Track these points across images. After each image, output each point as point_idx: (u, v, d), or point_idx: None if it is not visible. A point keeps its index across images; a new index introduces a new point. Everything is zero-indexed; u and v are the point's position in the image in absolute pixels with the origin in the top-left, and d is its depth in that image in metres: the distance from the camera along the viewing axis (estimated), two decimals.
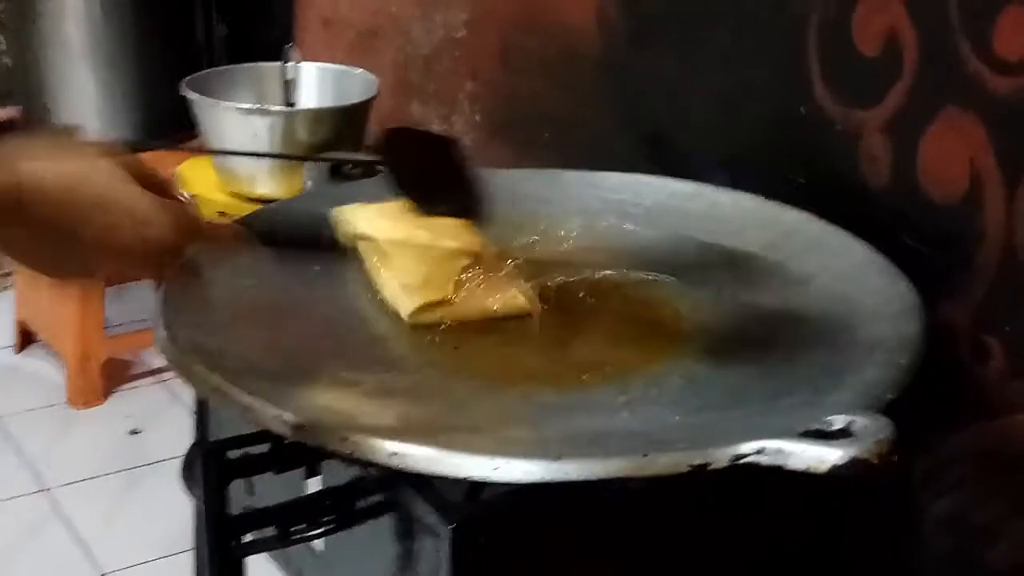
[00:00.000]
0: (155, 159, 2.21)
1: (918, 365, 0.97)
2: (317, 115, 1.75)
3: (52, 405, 2.42)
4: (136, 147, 2.16)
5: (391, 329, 1.11)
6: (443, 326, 1.10)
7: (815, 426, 0.85)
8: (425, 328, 1.10)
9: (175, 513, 1.82)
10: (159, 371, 2.49)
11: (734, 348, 1.07)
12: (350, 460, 0.91)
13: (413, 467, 0.86)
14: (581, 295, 1.16)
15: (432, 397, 1.00)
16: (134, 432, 2.35)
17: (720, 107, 1.46)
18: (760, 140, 1.41)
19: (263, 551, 1.10)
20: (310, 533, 1.06)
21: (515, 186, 1.36)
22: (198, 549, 1.18)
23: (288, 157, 1.71)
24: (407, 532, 1.01)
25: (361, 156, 1.54)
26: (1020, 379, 1.16)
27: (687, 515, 1.06)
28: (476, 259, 1.15)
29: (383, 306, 1.13)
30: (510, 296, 1.13)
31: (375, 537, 1.04)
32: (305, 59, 1.95)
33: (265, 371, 0.99)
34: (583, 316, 1.13)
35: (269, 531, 1.06)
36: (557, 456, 0.84)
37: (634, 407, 0.97)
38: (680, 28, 1.49)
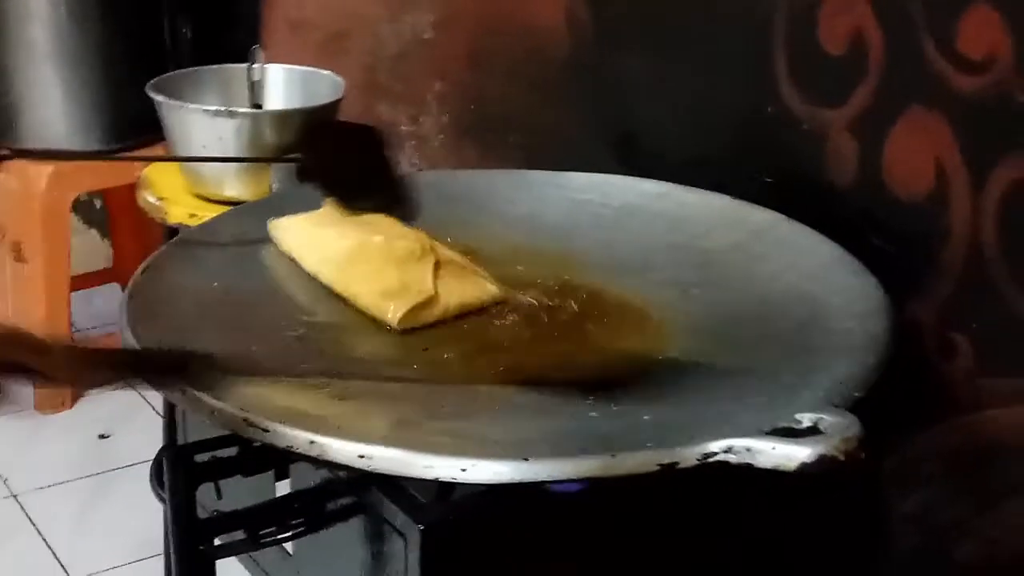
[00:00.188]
0: (123, 162, 2.21)
1: (886, 363, 0.98)
2: (284, 117, 1.74)
3: (20, 411, 2.40)
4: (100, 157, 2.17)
5: (359, 331, 1.11)
6: (407, 328, 1.09)
7: (783, 424, 0.86)
8: (392, 330, 1.09)
9: (145, 517, 1.82)
10: None
11: (703, 347, 1.07)
12: (319, 463, 0.91)
13: (382, 469, 0.86)
14: (549, 295, 1.16)
15: (400, 399, 1.00)
16: (103, 436, 2.34)
17: (688, 107, 1.46)
18: (728, 140, 1.41)
19: (233, 554, 1.10)
20: (280, 536, 1.06)
21: (483, 186, 1.36)
22: (168, 553, 1.18)
23: (206, 160, 1.69)
24: (377, 534, 1.01)
25: (283, 156, 1.52)
26: (987, 376, 1.17)
27: (658, 514, 1.06)
28: (439, 256, 1.15)
29: (348, 309, 1.13)
30: (482, 287, 1.13)
31: (345, 539, 1.04)
32: (273, 61, 1.95)
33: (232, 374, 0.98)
34: (551, 317, 1.13)
35: (239, 535, 1.06)
36: (525, 457, 0.84)
37: (603, 407, 0.97)
38: (648, 29, 1.49)
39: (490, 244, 1.24)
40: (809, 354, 1.01)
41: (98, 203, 2.85)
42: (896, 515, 1.26)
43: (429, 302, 1.10)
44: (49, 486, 2.18)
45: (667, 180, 1.32)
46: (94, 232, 2.95)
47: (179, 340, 1.02)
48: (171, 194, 1.78)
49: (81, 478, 2.20)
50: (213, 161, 1.63)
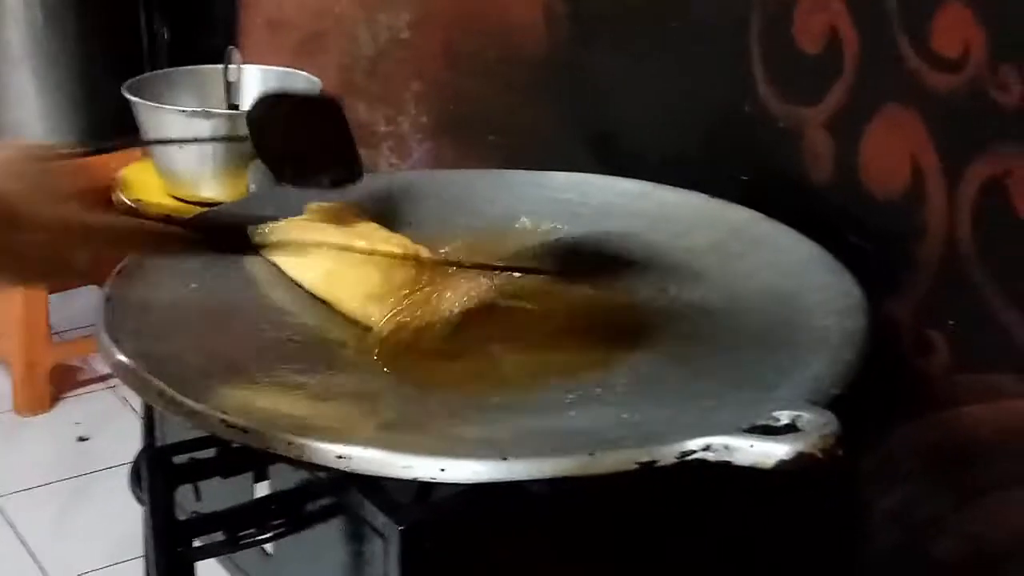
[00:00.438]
0: (98, 163, 2.20)
1: (863, 360, 0.98)
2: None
3: None
4: (80, 152, 2.16)
5: (337, 332, 1.10)
6: (390, 332, 1.09)
7: (761, 422, 0.86)
8: (374, 333, 1.09)
9: (124, 519, 1.81)
10: (107, 377, 2.46)
11: (681, 345, 1.08)
12: (297, 464, 0.91)
13: (360, 469, 0.86)
14: (528, 295, 1.16)
15: (379, 399, 1.00)
16: (82, 439, 2.33)
17: (666, 106, 1.46)
18: (705, 138, 1.42)
19: (212, 556, 1.10)
20: (259, 537, 1.05)
21: (461, 186, 1.36)
22: (147, 555, 1.17)
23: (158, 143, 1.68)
24: (357, 535, 1.01)
25: (229, 135, 1.50)
26: (964, 373, 1.18)
27: (637, 513, 1.07)
28: (422, 261, 1.15)
29: (327, 310, 1.13)
30: (466, 290, 1.13)
31: (325, 540, 1.04)
32: (250, 62, 1.94)
33: (210, 375, 0.98)
34: (530, 315, 1.13)
35: (218, 536, 1.05)
36: (504, 456, 0.84)
37: (581, 406, 0.97)
38: (626, 28, 1.50)
39: (467, 244, 1.24)
40: (787, 351, 1.01)
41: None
42: (874, 512, 1.27)
43: (412, 306, 1.10)
44: (28, 488, 2.17)
45: (645, 179, 1.32)
46: None
47: (157, 341, 1.02)
48: (147, 195, 1.78)
49: (60, 480, 2.19)
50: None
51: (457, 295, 1.13)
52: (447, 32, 1.80)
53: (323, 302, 1.14)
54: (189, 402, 0.91)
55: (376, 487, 0.98)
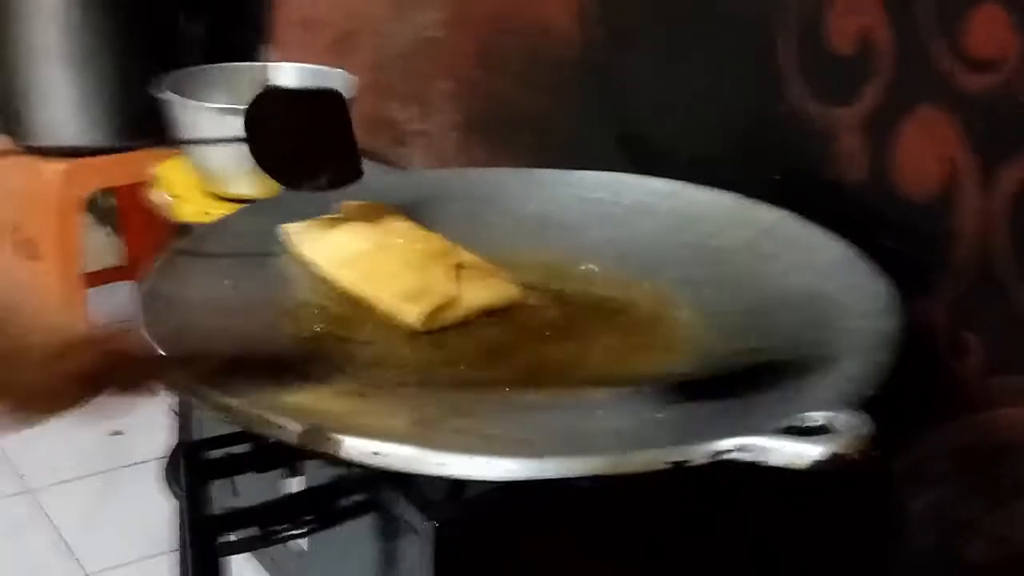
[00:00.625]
0: (132, 160, 2.22)
1: (896, 362, 0.98)
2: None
3: None
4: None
5: (372, 330, 1.11)
6: (427, 330, 1.10)
7: (794, 423, 0.86)
8: (410, 331, 1.10)
9: (158, 514, 1.82)
10: None
11: (713, 346, 1.08)
12: (332, 460, 0.91)
13: (394, 466, 0.86)
14: (560, 295, 1.17)
15: (413, 397, 1.00)
16: (116, 433, 2.34)
17: (698, 106, 1.46)
18: (738, 138, 1.42)
19: (245, 551, 1.10)
20: (292, 533, 1.06)
21: (492, 185, 1.36)
22: (180, 549, 1.18)
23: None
24: (390, 531, 1.01)
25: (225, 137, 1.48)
26: (998, 375, 1.17)
27: (669, 512, 1.07)
28: (458, 258, 1.16)
29: (362, 307, 1.14)
30: (502, 288, 1.14)
31: (358, 536, 1.04)
32: (283, 59, 1.95)
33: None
34: (562, 314, 1.14)
35: (251, 531, 1.06)
36: (537, 454, 0.84)
37: (615, 405, 0.97)
38: (659, 28, 1.50)
39: (500, 243, 1.24)
40: (820, 352, 1.01)
41: (110, 201, 2.86)
42: (907, 514, 1.26)
43: (449, 304, 1.11)
44: (62, 482, 2.18)
45: (677, 179, 1.32)
46: (106, 230, 2.96)
47: (193, 337, 1.03)
48: (182, 192, 1.79)
49: (94, 474, 2.20)
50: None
51: (490, 293, 1.14)
52: (479, 32, 1.80)
53: (358, 299, 1.14)
54: (227, 398, 0.92)
55: (410, 484, 0.98)
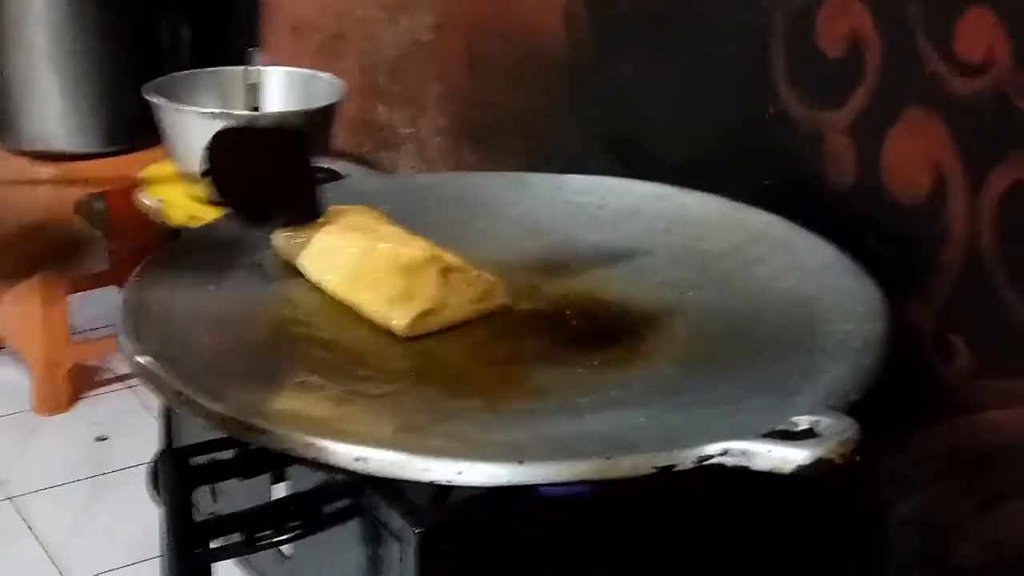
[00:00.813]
0: (120, 164, 2.21)
1: (883, 365, 0.98)
2: (282, 119, 1.75)
3: (18, 412, 2.40)
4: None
5: (358, 335, 1.10)
6: (412, 335, 1.09)
7: (780, 427, 0.85)
8: (396, 336, 1.09)
9: (143, 520, 1.82)
10: (126, 377, 2.47)
11: (700, 350, 1.07)
12: (316, 465, 0.91)
13: (378, 472, 0.85)
14: (548, 299, 1.16)
15: (397, 402, 0.99)
16: (101, 439, 2.34)
17: (686, 109, 1.46)
18: (726, 142, 1.41)
19: (230, 557, 1.10)
20: (277, 539, 1.05)
21: (481, 189, 1.36)
22: (164, 556, 1.17)
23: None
24: (374, 537, 1.01)
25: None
26: (985, 378, 1.17)
27: (654, 516, 1.06)
28: (444, 263, 1.15)
29: (348, 312, 1.13)
30: (489, 293, 1.13)
31: (342, 542, 1.04)
32: (272, 63, 1.95)
33: (229, 377, 0.98)
34: (551, 320, 1.13)
35: (235, 537, 1.05)
36: (522, 459, 0.84)
37: (600, 410, 0.96)
38: (647, 31, 1.50)
39: (487, 247, 1.24)
40: (806, 356, 1.01)
41: (100, 205, 2.85)
42: (895, 517, 1.26)
43: (435, 309, 1.10)
44: (47, 488, 2.17)
45: (665, 182, 1.32)
46: (95, 234, 2.95)
47: (176, 342, 1.02)
48: (170, 196, 1.79)
49: (78, 480, 2.20)
50: None
51: (476, 298, 1.13)
52: (468, 35, 1.80)
53: (344, 304, 1.14)
54: (208, 403, 0.91)
55: (394, 489, 0.98)
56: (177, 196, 1.81)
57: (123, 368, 2.46)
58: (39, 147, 2.26)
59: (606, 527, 1.04)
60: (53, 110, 2.26)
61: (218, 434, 0.98)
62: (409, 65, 1.93)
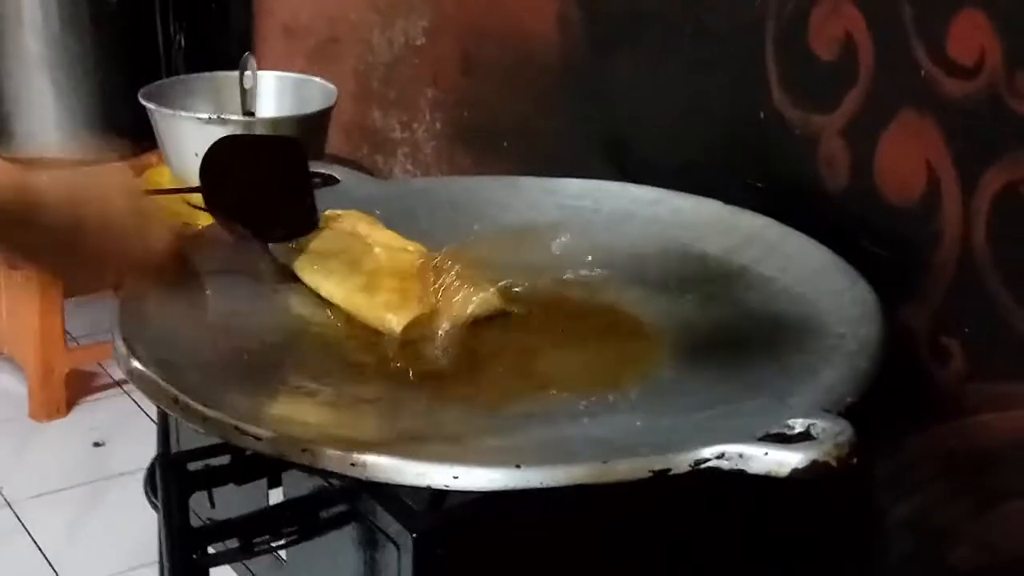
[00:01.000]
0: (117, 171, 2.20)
1: (878, 368, 0.98)
2: (276, 124, 1.75)
3: (14, 418, 2.40)
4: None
5: (354, 340, 1.11)
6: (408, 340, 1.09)
7: (775, 430, 0.86)
8: (392, 341, 1.09)
9: (140, 526, 1.82)
10: (123, 382, 2.47)
11: (695, 353, 1.07)
12: (311, 471, 0.91)
13: (374, 477, 0.86)
14: (542, 303, 1.16)
15: (393, 407, 1.00)
16: (98, 444, 2.33)
17: (680, 113, 1.46)
18: (720, 145, 1.41)
19: (226, 563, 1.10)
20: (273, 544, 1.05)
21: (475, 193, 1.36)
22: (162, 562, 1.17)
23: None
24: (370, 542, 1.01)
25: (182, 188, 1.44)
26: (980, 380, 1.17)
27: (651, 520, 1.06)
28: (440, 267, 1.15)
29: (344, 317, 1.13)
30: (483, 297, 1.13)
31: (338, 547, 1.04)
32: (266, 68, 1.95)
33: (225, 382, 0.98)
34: (543, 323, 1.13)
35: (232, 543, 1.05)
36: (518, 464, 0.84)
37: (595, 414, 0.97)
38: (640, 35, 1.50)
39: (481, 252, 1.24)
40: (801, 359, 1.01)
41: None
42: (889, 520, 1.26)
43: (430, 314, 1.11)
44: (44, 494, 2.17)
45: (659, 186, 1.32)
46: None
47: (172, 348, 1.02)
48: (165, 202, 1.78)
49: (75, 486, 2.19)
50: None
51: (472, 302, 1.13)
52: (462, 39, 1.80)
53: (340, 309, 1.14)
54: (203, 409, 0.91)
55: (390, 494, 0.98)
56: (172, 202, 1.81)
57: (120, 373, 2.45)
58: (34, 153, 2.26)
59: (602, 531, 1.04)
60: (48, 116, 2.26)
61: (214, 440, 0.98)
62: (403, 69, 1.93)
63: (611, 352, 1.09)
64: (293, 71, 1.97)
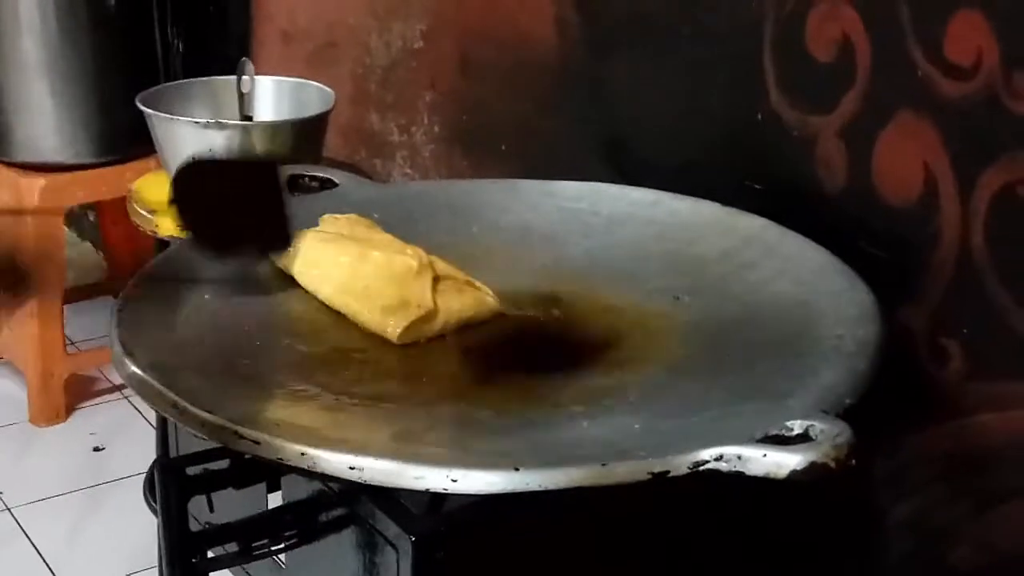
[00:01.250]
0: (112, 174, 2.21)
1: (876, 369, 0.98)
2: (273, 129, 1.75)
3: (14, 423, 2.40)
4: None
5: (352, 343, 1.11)
6: (406, 343, 1.09)
7: (774, 431, 0.86)
8: (390, 344, 1.09)
9: (139, 530, 1.82)
10: (122, 387, 2.47)
11: (694, 355, 1.07)
12: (310, 475, 0.91)
13: (373, 480, 0.86)
14: (541, 305, 1.16)
15: (391, 410, 1.00)
16: (97, 449, 2.34)
17: (678, 115, 1.46)
18: (718, 147, 1.41)
19: (226, 567, 1.10)
20: (272, 548, 1.05)
21: (473, 196, 1.36)
22: (161, 566, 1.17)
23: None
24: (369, 545, 1.01)
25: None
26: (979, 381, 1.17)
27: (650, 522, 1.06)
28: (437, 271, 1.15)
29: (342, 321, 1.13)
30: (481, 300, 1.14)
31: (337, 551, 1.04)
32: (264, 73, 1.95)
33: (223, 386, 0.98)
34: (544, 327, 1.13)
35: (231, 547, 1.06)
36: (516, 467, 0.84)
37: (594, 416, 0.97)
38: (638, 37, 1.50)
39: (482, 254, 1.24)
40: (799, 361, 1.01)
41: (93, 216, 2.85)
42: (889, 521, 1.26)
43: (428, 317, 1.11)
44: (43, 499, 2.17)
45: (657, 187, 1.32)
46: (87, 245, 2.95)
47: (169, 353, 1.02)
48: (162, 207, 1.78)
49: (75, 491, 2.19)
50: None
51: (469, 306, 1.13)
52: (460, 42, 1.80)
53: (338, 313, 1.14)
54: (202, 413, 0.91)
55: (388, 498, 0.98)
56: (168, 207, 1.81)
57: (119, 378, 2.45)
58: (31, 158, 2.26)
59: (602, 533, 1.04)
60: (46, 121, 2.26)
61: (213, 444, 0.98)
62: (401, 72, 1.93)
63: (610, 354, 1.09)
64: (291, 75, 1.97)
